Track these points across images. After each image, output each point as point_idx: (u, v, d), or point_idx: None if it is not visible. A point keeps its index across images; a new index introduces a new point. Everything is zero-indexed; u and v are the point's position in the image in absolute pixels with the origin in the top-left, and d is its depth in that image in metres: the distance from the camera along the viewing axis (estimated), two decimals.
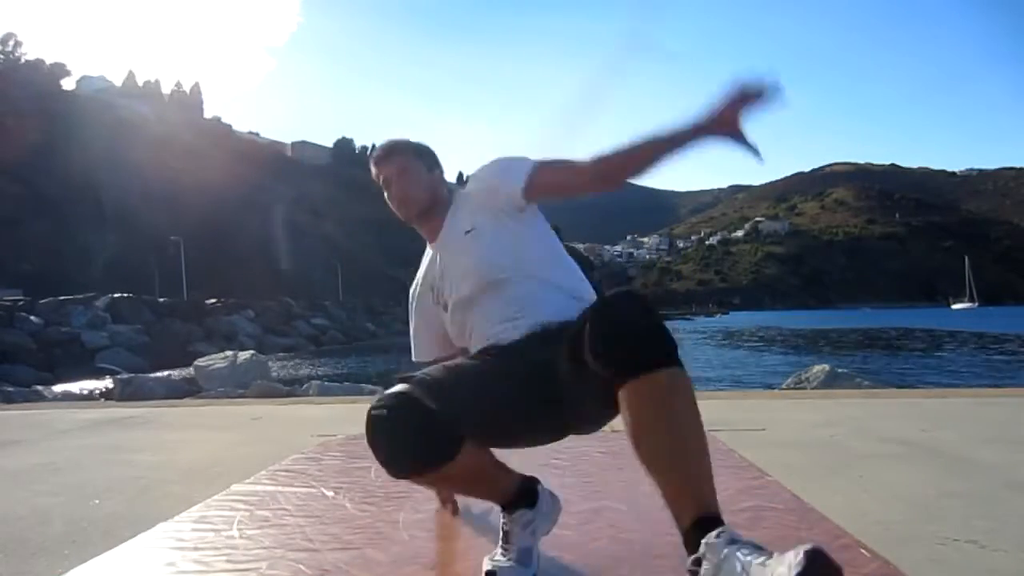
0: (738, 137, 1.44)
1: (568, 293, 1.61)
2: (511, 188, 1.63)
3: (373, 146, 1.98)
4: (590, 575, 1.53)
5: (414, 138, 1.81)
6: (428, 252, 1.80)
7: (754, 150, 1.44)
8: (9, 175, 59.57)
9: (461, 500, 1.99)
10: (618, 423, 1.28)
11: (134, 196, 66.58)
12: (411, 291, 1.86)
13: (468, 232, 1.65)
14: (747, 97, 1.41)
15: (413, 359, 1.83)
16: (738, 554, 1.01)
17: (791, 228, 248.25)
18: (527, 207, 1.66)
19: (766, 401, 5.62)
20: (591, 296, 1.62)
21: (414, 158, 1.73)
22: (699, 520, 1.10)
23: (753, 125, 1.44)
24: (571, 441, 2.70)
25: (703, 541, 1.06)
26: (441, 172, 1.78)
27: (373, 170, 1.75)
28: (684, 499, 1.14)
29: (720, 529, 1.07)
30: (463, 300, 1.65)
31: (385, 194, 1.73)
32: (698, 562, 1.06)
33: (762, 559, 0.98)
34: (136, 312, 27.48)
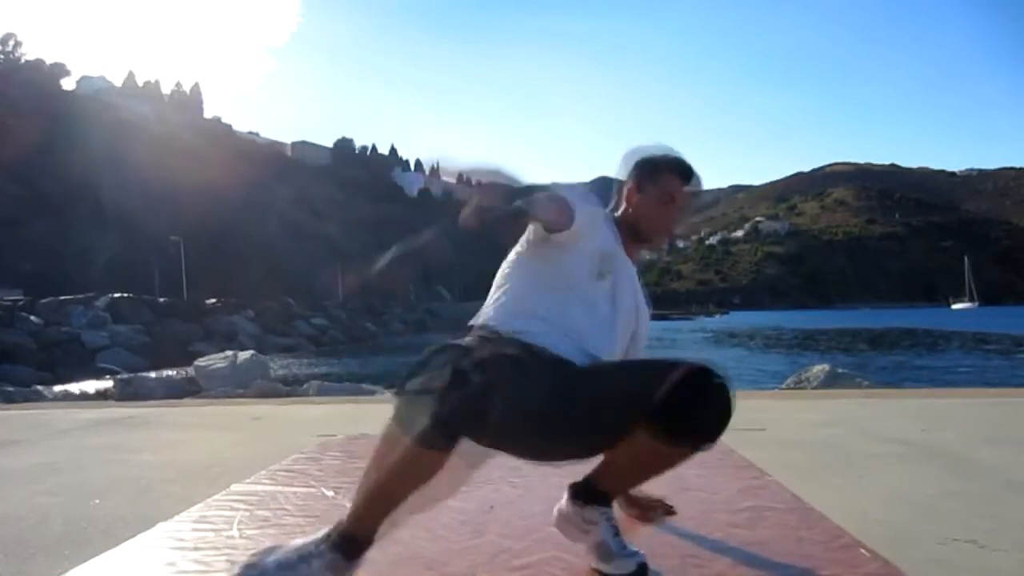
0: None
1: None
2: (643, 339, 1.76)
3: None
4: (590, 575, 1.53)
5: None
6: (619, 252, 1.68)
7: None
8: (9, 175, 59.59)
9: (460, 500, 1.99)
10: None
11: (134, 196, 66.58)
12: (593, 206, 1.66)
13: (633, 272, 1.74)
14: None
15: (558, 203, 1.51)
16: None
17: (791, 228, 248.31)
18: None
19: (766, 401, 5.62)
20: None
21: None
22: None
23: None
24: None
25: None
26: None
27: (670, 179, 1.69)
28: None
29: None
30: (615, 299, 1.62)
31: (667, 211, 1.71)
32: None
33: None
34: (136, 312, 27.48)
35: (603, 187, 1.81)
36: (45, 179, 63.07)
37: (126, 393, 8.74)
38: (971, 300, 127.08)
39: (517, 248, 1.67)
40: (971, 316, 77.16)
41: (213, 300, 34.07)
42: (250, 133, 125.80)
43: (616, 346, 1.63)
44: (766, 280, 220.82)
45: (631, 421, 1.36)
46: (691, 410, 1.33)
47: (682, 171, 1.71)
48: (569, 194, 1.55)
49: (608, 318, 1.60)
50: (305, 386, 8.57)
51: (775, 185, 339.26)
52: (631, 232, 1.73)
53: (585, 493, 1.52)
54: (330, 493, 2.20)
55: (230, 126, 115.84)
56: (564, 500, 1.57)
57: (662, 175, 1.70)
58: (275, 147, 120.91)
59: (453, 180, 1.58)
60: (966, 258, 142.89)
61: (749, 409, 4.97)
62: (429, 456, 1.27)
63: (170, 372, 12.04)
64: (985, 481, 2.79)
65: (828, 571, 1.49)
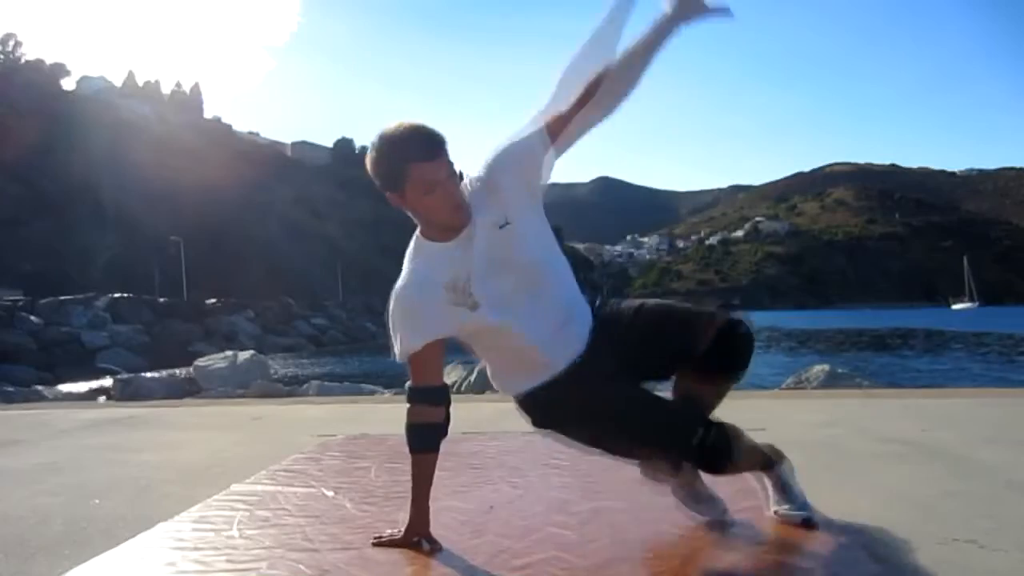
0: (702, 10, 1.66)
1: (578, 293, 1.74)
2: (534, 153, 1.63)
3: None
4: (590, 575, 1.53)
5: None
6: (431, 251, 1.63)
7: (721, 10, 1.66)
8: (9, 175, 59.55)
9: (460, 500, 1.99)
10: None
11: (134, 196, 66.55)
12: (400, 292, 1.64)
13: (503, 227, 1.60)
14: None
15: (398, 357, 1.66)
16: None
17: (791, 228, 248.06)
18: (539, 201, 1.69)
19: (766, 401, 5.62)
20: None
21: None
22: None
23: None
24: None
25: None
26: None
27: (415, 168, 1.52)
28: None
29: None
30: (502, 297, 1.60)
31: (436, 196, 1.54)
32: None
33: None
34: (136, 312, 27.50)
35: None
36: (45, 179, 63.03)
37: (126, 393, 8.74)
38: (971, 300, 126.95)
39: None
40: (971, 316, 77.08)
41: (213, 300, 34.07)
42: (250, 133, 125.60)
43: (526, 323, 1.61)
44: (766, 280, 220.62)
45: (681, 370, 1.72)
46: (731, 355, 1.67)
47: (423, 149, 1.53)
48: (397, 343, 1.67)
49: (499, 322, 1.61)
50: (305, 386, 8.57)
51: (775, 185, 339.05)
52: (437, 228, 1.61)
53: None
54: (330, 493, 2.20)
55: (230, 126, 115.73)
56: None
57: (404, 165, 1.53)
58: (275, 147, 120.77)
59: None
60: (966, 258, 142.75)
61: (749, 409, 4.96)
62: None
63: (170, 372, 12.04)
64: (985, 481, 2.79)
65: (828, 571, 1.49)
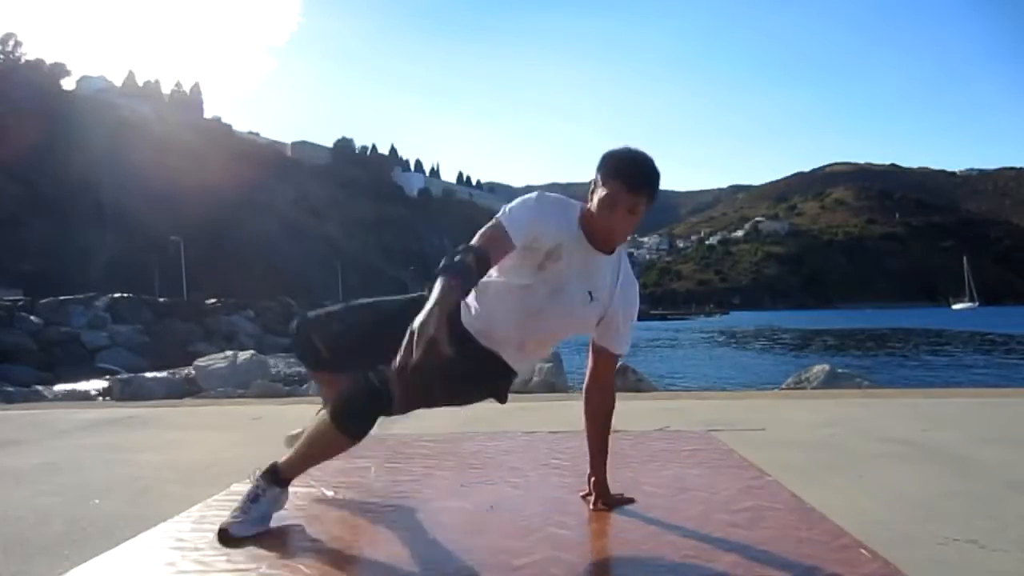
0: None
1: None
2: (615, 338, 1.89)
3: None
4: (590, 575, 1.53)
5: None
6: (580, 235, 1.78)
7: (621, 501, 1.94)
8: (9, 175, 59.58)
9: (460, 500, 1.99)
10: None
11: (134, 196, 66.60)
12: (552, 203, 1.78)
13: (594, 299, 1.82)
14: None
15: (502, 217, 1.71)
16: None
17: (791, 228, 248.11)
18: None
19: (766, 401, 5.62)
20: None
21: None
22: None
23: None
24: (571, 441, 2.70)
25: None
26: None
27: (626, 187, 1.68)
28: None
29: None
30: (554, 304, 1.79)
31: (611, 210, 1.70)
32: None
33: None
34: (136, 312, 27.46)
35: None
36: (45, 179, 63.05)
37: (126, 393, 8.73)
38: (971, 300, 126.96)
39: None
40: (972, 316, 77.11)
41: (213, 300, 34.05)
42: (250, 133, 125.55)
43: (549, 329, 1.85)
44: (766, 280, 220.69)
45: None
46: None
47: (627, 178, 1.69)
48: (508, 211, 1.72)
49: (539, 307, 1.79)
50: (305, 386, 8.57)
51: (775, 185, 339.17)
52: (590, 228, 1.77)
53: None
54: (330, 493, 2.20)
55: (230, 126, 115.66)
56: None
57: (610, 178, 1.70)
58: (275, 147, 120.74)
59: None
60: (966, 258, 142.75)
61: (749, 409, 4.97)
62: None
63: (170, 372, 12.04)
64: (985, 481, 2.79)
65: (828, 571, 1.49)
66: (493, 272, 1.74)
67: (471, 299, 1.86)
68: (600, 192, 1.72)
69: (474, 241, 1.66)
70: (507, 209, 1.74)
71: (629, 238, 2.16)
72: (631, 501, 1.98)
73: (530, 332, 1.85)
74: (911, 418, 4.37)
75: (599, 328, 1.89)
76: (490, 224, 1.71)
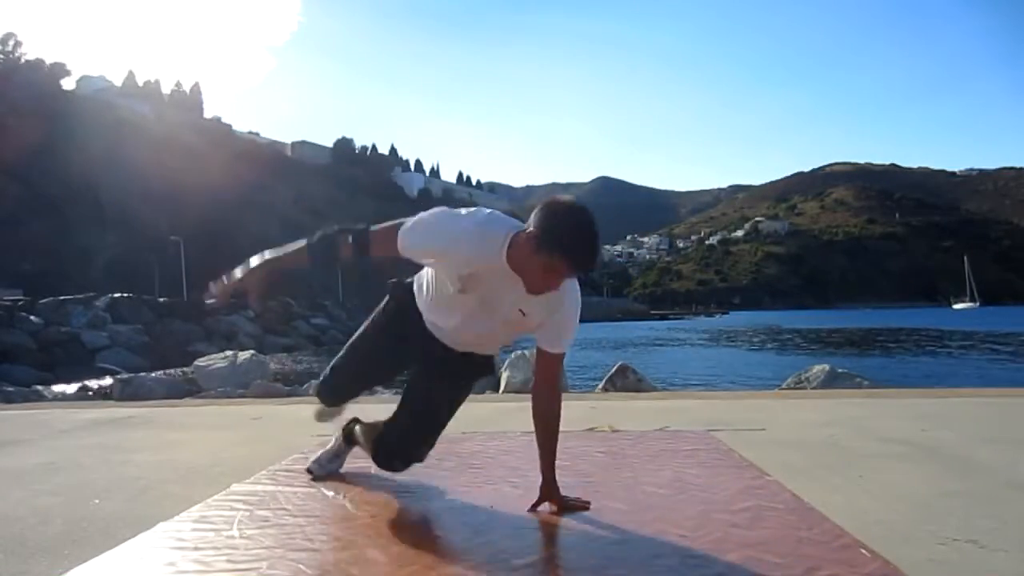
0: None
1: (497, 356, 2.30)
2: (557, 341, 1.93)
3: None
4: (590, 575, 1.53)
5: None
6: (504, 274, 1.79)
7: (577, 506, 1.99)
8: (9, 175, 59.54)
9: (460, 500, 1.99)
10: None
11: (134, 196, 66.55)
12: (471, 225, 1.78)
13: (525, 314, 1.88)
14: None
15: (404, 228, 1.82)
16: None
17: (791, 228, 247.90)
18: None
19: (766, 401, 5.62)
20: None
21: None
22: None
23: None
24: (571, 441, 2.70)
25: None
26: None
27: (572, 265, 1.69)
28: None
29: None
30: (484, 312, 1.91)
31: (549, 277, 1.72)
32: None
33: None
34: (136, 312, 27.46)
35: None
36: (45, 179, 63.00)
37: (126, 393, 8.72)
38: (972, 300, 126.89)
39: None
40: (972, 316, 77.09)
41: (213, 300, 34.01)
42: (250, 133, 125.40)
43: (482, 329, 1.97)
44: (766, 280, 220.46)
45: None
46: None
47: (573, 256, 1.67)
48: (416, 225, 1.80)
49: (469, 314, 1.92)
50: (305, 386, 8.56)
51: (775, 185, 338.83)
52: (518, 269, 1.76)
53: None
54: (330, 493, 2.20)
55: (230, 126, 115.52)
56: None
57: (556, 251, 1.66)
58: (275, 147, 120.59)
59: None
60: (966, 258, 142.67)
61: (749, 409, 4.97)
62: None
63: (170, 372, 12.03)
64: (985, 481, 2.79)
65: (828, 571, 1.49)
66: (432, 271, 1.96)
67: (424, 282, 2.05)
68: (541, 257, 1.67)
69: (373, 227, 1.85)
70: (420, 220, 1.81)
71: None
72: (586, 507, 1.95)
73: (466, 329, 1.98)
74: (911, 418, 4.37)
75: (539, 331, 1.93)
76: (396, 224, 1.83)
